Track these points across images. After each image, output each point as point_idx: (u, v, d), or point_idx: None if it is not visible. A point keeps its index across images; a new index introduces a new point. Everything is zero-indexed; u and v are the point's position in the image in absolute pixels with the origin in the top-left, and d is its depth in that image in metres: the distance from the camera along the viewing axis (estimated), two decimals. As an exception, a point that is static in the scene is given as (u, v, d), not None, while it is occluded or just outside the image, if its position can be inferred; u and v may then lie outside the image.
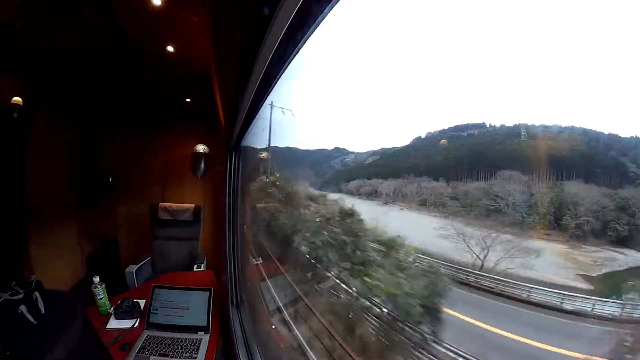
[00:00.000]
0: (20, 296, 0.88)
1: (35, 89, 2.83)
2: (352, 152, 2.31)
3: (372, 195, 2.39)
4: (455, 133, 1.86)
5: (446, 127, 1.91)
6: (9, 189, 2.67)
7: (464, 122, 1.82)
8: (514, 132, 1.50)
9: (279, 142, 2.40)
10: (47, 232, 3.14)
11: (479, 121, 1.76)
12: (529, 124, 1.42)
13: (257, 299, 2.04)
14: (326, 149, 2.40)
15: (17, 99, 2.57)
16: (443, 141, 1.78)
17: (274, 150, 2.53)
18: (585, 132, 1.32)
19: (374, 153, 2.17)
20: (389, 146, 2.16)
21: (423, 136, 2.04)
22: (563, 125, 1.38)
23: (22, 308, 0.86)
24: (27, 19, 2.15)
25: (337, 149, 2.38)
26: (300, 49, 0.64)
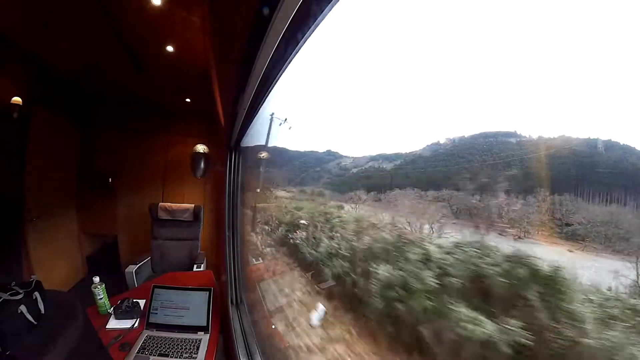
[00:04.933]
0: (20, 296, 0.88)
1: (35, 89, 2.83)
2: (345, 157, 2.17)
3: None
4: (484, 140, 1.62)
5: (470, 134, 1.65)
6: (8, 189, 2.67)
7: (489, 130, 1.59)
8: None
9: (273, 141, 2.30)
10: (47, 232, 3.14)
11: (505, 129, 1.53)
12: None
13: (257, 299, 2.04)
14: (317, 152, 2.28)
15: (16, 99, 2.57)
16: (445, 140, 1.71)
17: (272, 151, 2.47)
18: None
19: (372, 158, 2.05)
20: (388, 152, 1.98)
21: (442, 141, 1.80)
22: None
23: (22, 308, 0.86)
24: (27, 20, 2.15)
25: (329, 152, 2.25)
26: (300, 49, 0.64)
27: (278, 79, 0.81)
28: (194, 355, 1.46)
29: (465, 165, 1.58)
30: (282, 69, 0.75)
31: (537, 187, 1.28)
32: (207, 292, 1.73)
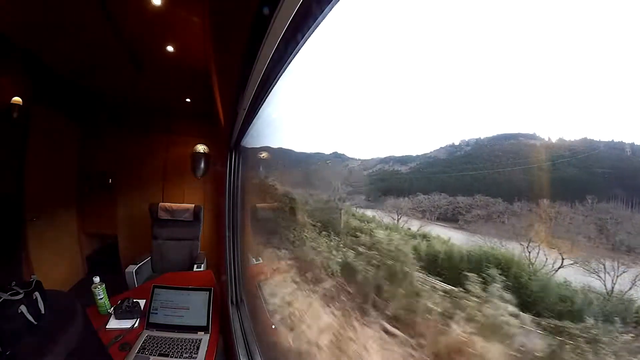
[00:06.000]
0: (20, 296, 0.88)
1: (35, 89, 2.83)
2: (352, 158, 2.12)
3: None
4: (507, 142, 1.52)
5: (486, 136, 1.54)
6: (8, 189, 2.67)
7: (507, 131, 1.49)
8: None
9: (274, 142, 2.25)
10: (47, 232, 3.14)
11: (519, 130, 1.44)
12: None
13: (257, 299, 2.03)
14: (323, 153, 2.23)
15: (16, 99, 2.57)
16: (460, 142, 1.64)
17: (274, 152, 2.42)
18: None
19: (381, 160, 2.00)
20: (397, 154, 1.92)
21: (457, 143, 1.69)
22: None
23: (22, 308, 0.86)
24: (27, 19, 2.15)
25: (335, 153, 2.20)
26: (300, 49, 0.64)
27: (278, 79, 0.81)
28: (194, 355, 1.46)
29: (499, 169, 1.49)
30: (283, 69, 0.75)
31: (584, 194, 1.19)
32: (207, 292, 1.73)
